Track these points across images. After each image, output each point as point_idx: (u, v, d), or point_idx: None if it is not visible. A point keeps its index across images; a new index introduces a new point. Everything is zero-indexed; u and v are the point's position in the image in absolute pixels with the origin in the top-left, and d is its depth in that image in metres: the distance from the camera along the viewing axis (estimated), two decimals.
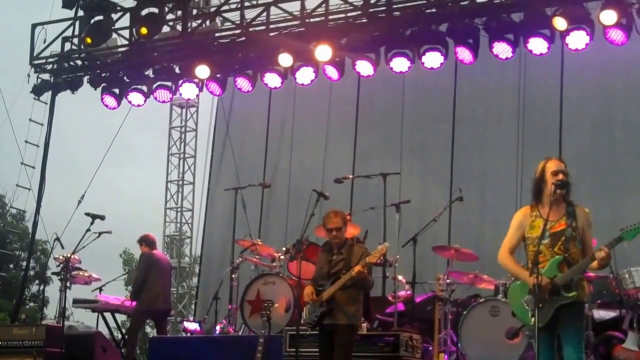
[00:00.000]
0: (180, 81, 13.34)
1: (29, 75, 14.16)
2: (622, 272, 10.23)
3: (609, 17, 10.54)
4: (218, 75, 13.16)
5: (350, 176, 13.37)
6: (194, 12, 14.05)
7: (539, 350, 7.32)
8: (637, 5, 10.56)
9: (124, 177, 75.29)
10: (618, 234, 7.12)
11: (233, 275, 12.59)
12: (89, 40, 13.38)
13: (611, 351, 10.03)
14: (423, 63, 11.73)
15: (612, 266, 9.76)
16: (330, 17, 12.42)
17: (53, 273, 13.28)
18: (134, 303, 13.05)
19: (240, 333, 12.15)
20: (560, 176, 7.38)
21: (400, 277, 11.61)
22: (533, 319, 7.14)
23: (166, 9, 13.34)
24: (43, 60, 14.10)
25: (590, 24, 10.73)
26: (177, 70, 13.45)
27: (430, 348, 10.71)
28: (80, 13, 13.77)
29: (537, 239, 7.27)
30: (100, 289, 13.67)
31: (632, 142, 13.87)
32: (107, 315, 13.74)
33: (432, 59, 11.64)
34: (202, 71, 12.93)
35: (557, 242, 7.25)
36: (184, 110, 21.41)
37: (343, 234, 9.20)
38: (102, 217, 12.15)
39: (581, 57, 12.16)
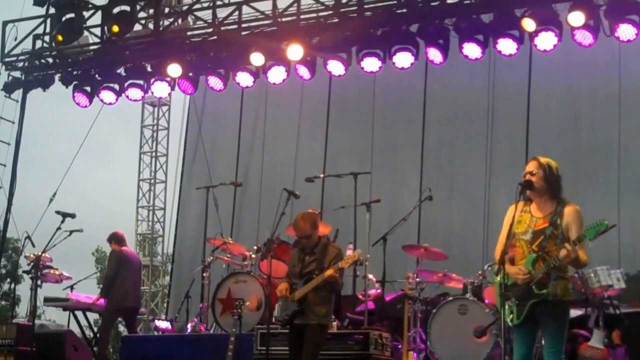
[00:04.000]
0: (152, 79, 13.29)
1: None
2: (588, 272, 10.32)
3: (576, 18, 10.63)
4: (190, 74, 13.14)
5: (321, 175, 13.40)
6: (166, 10, 14.04)
7: (514, 344, 7.45)
8: (604, 7, 10.66)
9: (95, 176, 75.03)
10: (581, 232, 7.16)
11: (204, 274, 12.59)
12: (60, 38, 13.31)
13: (577, 349, 10.10)
14: (394, 63, 11.77)
15: None
16: (302, 16, 12.42)
17: (24, 271, 13.27)
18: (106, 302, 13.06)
19: (211, 331, 12.18)
20: (527, 177, 7.43)
21: (370, 276, 11.66)
22: (511, 315, 7.26)
23: (138, 7, 13.30)
24: (14, 58, 14.03)
25: (559, 26, 10.81)
26: (149, 68, 13.40)
27: (400, 346, 10.78)
28: (52, 10, 13.68)
29: (520, 234, 7.34)
30: (72, 287, 13.65)
31: (596, 142, 14.07)
32: (79, 313, 13.73)
33: (403, 59, 11.68)
34: (174, 70, 12.91)
35: (536, 240, 7.28)
36: (155, 108, 21.43)
37: (314, 238, 9.21)
38: (72, 216, 12.17)
39: (549, 58, 12.29)
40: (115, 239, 13.07)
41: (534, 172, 7.41)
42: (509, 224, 7.40)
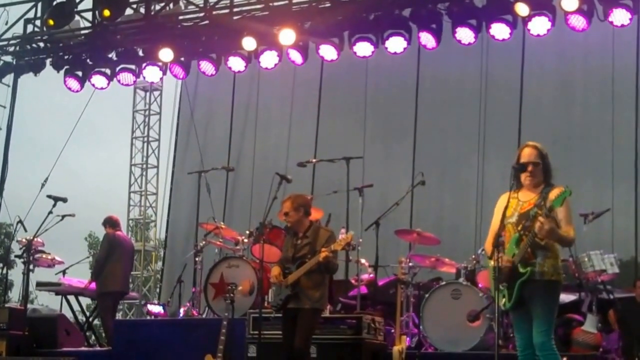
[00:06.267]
0: (144, 64, 13.27)
1: None
2: (582, 256, 10.36)
3: (570, 3, 10.60)
4: (182, 59, 13.10)
5: (314, 160, 13.38)
6: None
7: (515, 332, 7.47)
8: None
9: (87, 160, 74.97)
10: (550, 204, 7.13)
11: (197, 259, 12.58)
12: (51, 22, 13.23)
13: (570, 333, 10.15)
14: (386, 48, 11.74)
15: (571, 250, 9.92)
16: (294, 1, 12.37)
17: (16, 256, 13.26)
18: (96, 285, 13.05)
19: (204, 316, 12.17)
20: (530, 167, 7.39)
21: (363, 261, 11.68)
22: (503, 299, 7.26)
23: None
24: (5, 42, 13.99)
25: (552, 10, 10.79)
26: (140, 53, 13.36)
27: (393, 330, 10.77)
28: None
29: (507, 218, 7.33)
30: (64, 271, 13.65)
31: (589, 126, 14.08)
32: (71, 298, 13.74)
33: (396, 44, 11.65)
34: (166, 54, 12.87)
35: (521, 221, 7.26)
36: (147, 93, 21.37)
37: (296, 218, 9.19)
38: (64, 200, 12.15)
39: (542, 42, 12.28)
40: (110, 222, 13.09)
41: (539, 163, 7.39)
42: (500, 212, 7.41)
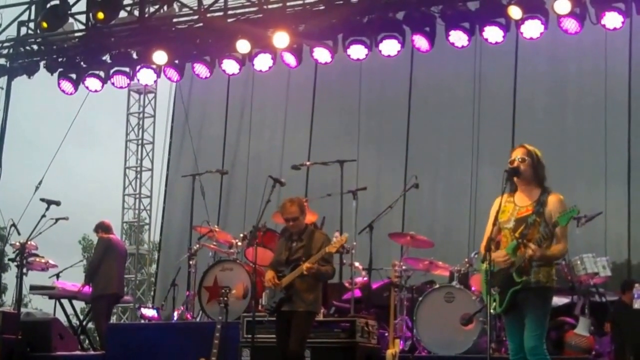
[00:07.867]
0: (138, 67, 13.23)
1: None
2: (574, 259, 10.38)
3: (563, 6, 10.60)
4: (176, 61, 13.07)
5: (308, 163, 13.36)
6: None
7: (507, 335, 7.52)
8: None
9: (81, 163, 74.76)
10: (555, 219, 7.14)
11: (191, 262, 12.58)
12: (45, 24, 13.22)
13: (563, 337, 10.16)
14: (380, 50, 11.74)
15: None
16: (288, 3, 12.35)
17: (9, 259, 13.25)
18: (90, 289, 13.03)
19: (197, 319, 12.16)
20: (516, 163, 7.41)
21: (356, 264, 11.68)
22: (494, 304, 7.27)
23: None
24: None
25: (545, 13, 10.79)
26: (134, 55, 13.33)
27: (386, 334, 10.76)
28: None
29: (504, 223, 7.34)
30: (58, 275, 13.63)
31: (582, 129, 14.10)
32: (65, 302, 13.72)
33: (389, 47, 11.64)
34: (160, 57, 12.84)
35: (519, 228, 7.26)
36: (141, 96, 21.30)
37: (302, 222, 9.23)
38: (57, 203, 12.14)
39: (535, 46, 12.31)
40: (102, 227, 13.10)
41: (524, 158, 7.40)
42: (494, 215, 7.40)
